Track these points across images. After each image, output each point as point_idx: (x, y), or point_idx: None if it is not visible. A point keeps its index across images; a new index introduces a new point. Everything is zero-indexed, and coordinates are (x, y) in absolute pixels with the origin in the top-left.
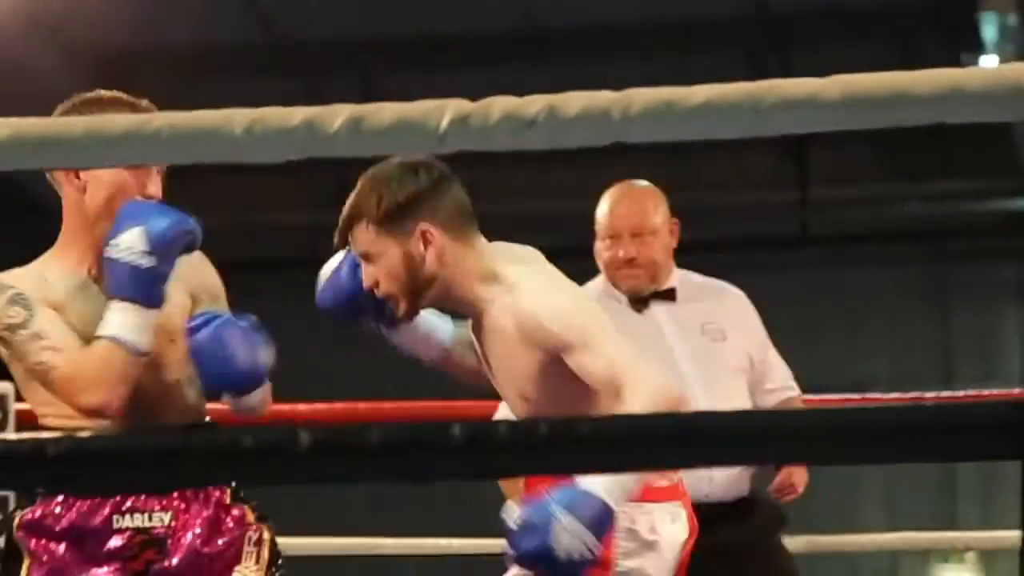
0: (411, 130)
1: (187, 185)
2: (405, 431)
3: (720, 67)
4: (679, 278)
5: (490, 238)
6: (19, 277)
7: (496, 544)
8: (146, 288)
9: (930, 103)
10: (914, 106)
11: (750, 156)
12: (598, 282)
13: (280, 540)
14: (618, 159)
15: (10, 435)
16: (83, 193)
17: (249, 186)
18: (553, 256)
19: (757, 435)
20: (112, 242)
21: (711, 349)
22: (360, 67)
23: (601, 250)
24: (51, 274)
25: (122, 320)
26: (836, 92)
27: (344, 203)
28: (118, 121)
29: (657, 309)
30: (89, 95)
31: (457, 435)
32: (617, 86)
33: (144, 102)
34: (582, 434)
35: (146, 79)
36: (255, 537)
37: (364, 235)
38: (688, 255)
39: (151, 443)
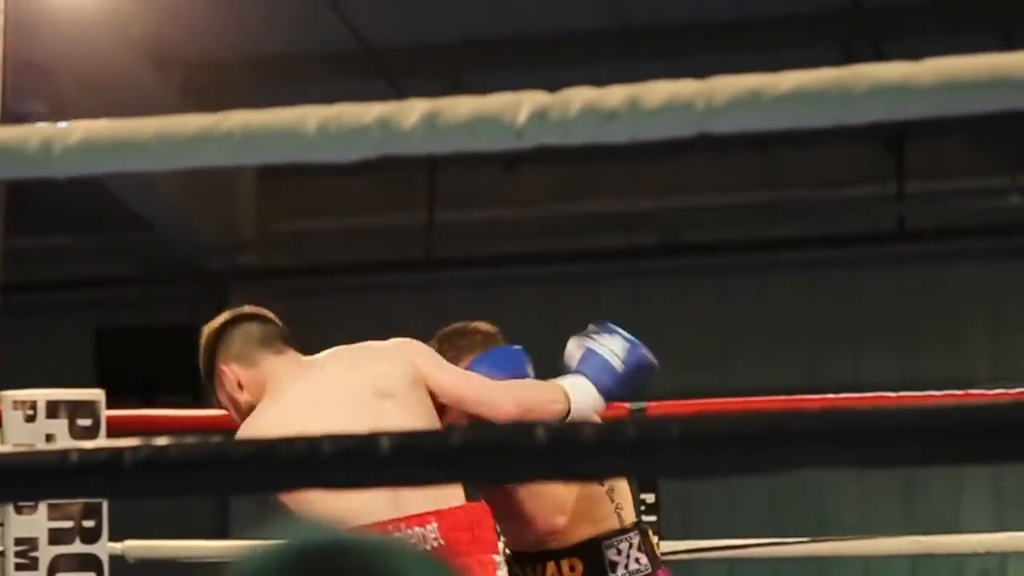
0: (488, 125)
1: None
2: (487, 434)
3: (813, 62)
4: None
5: (584, 236)
6: None
7: None
8: None
9: None
10: (1013, 89)
11: (845, 150)
12: None
13: None
14: (708, 156)
15: (91, 443)
16: None
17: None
18: (647, 254)
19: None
20: None
21: None
22: (448, 68)
23: None
24: None
25: None
26: (931, 76)
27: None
28: (190, 122)
29: None
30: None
31: (541, 437)
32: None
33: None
34: (671, 437)
35: (235, 86)
36: None
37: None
38: (786, 251)
39: (232, 451)
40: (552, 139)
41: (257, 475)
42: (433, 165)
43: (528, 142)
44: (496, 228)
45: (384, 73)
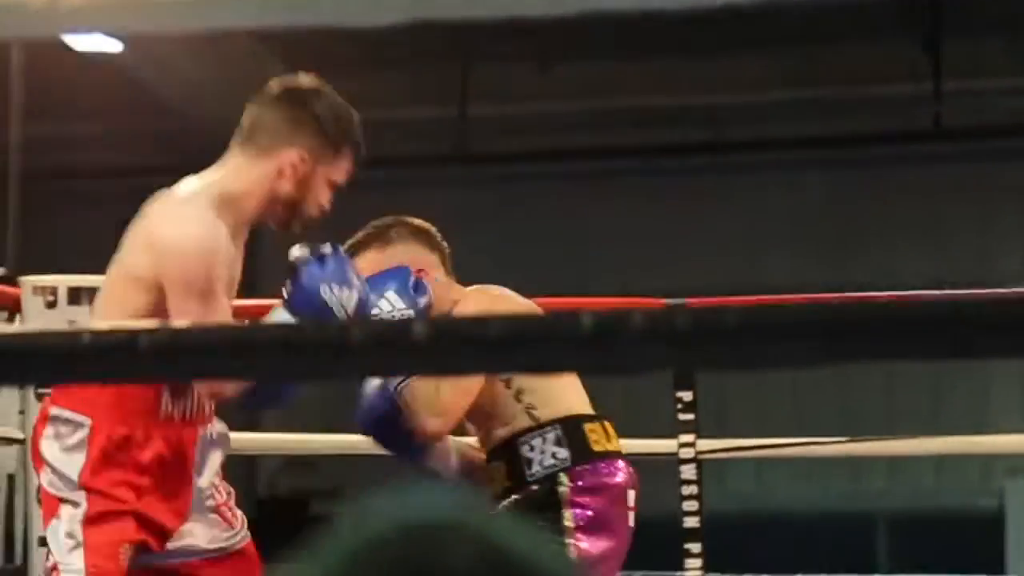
0: None
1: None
2: (529, 322)
3: None
4: None
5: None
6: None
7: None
8: None
9: None
10: None
11: (881, 48)
12: None
13: None
14: (748, 53)
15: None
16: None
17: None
18: (680, 152)
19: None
20: None
21: None
22: None
23: None
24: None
25: None
26: None
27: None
28: None
29: None
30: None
31: (586, 325)
32: None
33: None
34: (727, 326)
35: None
36: None
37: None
38: (819, 149)
39: (253, 335)
40: (596, 4)
41: (282, 361)
42: (467, 58)
43: (571, 8)
44: (530, 123)
45: None
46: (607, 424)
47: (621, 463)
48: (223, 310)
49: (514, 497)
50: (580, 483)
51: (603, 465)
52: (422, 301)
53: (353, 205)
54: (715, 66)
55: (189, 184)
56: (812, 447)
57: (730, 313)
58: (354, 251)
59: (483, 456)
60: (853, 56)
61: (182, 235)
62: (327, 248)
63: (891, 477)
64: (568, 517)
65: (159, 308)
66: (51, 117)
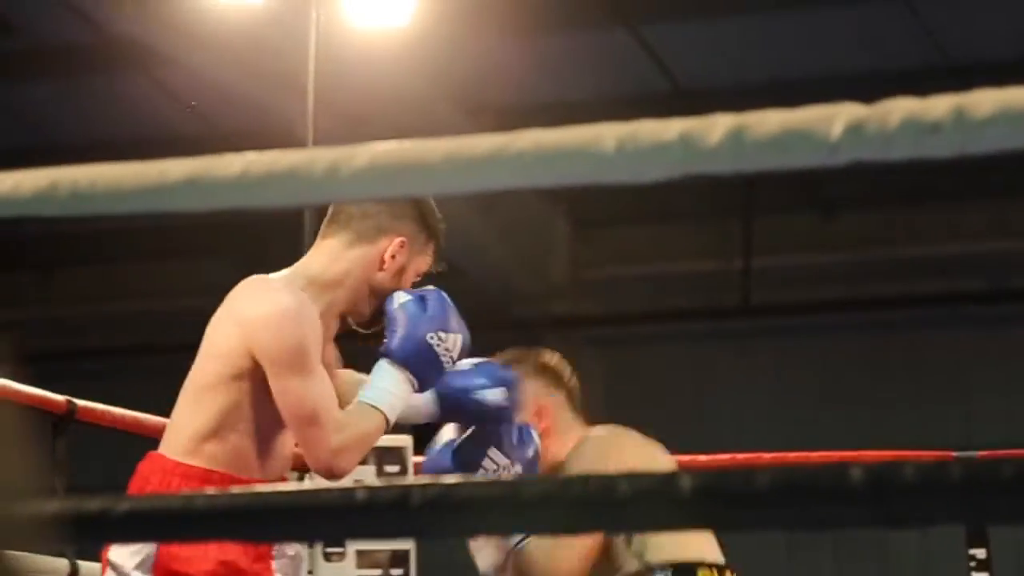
0: (799, 140)
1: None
2: (797, 474)
3: None
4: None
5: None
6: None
7: None
8: None
9: None
10: None
11: None
12: None
13: None
14: None
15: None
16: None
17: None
18: (972, 300)
19: None
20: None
21: None
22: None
23: None
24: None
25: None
26: None
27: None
28: (480, 143)
29: None
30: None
31: (857, 478)
32: None
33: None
34: (1003, 478)
35: None
36: None
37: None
38: None
39: (521, 490)
40: (869, 154)
41: (550, 515)
42: (749, 210)
43: (843, 158)
44: (814, 274)
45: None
46: (729, 573)
47: None
48: (323, 384)
49: None
50: None
51: None
52: (529, 453)
53: (636, 358)
54: (1004, 212)
55: (276, 273)
56: None
57: (1007, 465)
58: None
59: None
60: None
61: (270, 307)
62: (428, 290)
63: None
64: None
65: (251, 388)
66: None
